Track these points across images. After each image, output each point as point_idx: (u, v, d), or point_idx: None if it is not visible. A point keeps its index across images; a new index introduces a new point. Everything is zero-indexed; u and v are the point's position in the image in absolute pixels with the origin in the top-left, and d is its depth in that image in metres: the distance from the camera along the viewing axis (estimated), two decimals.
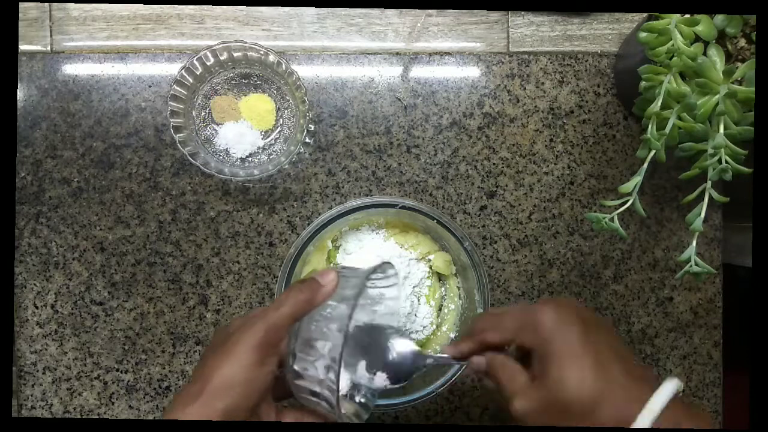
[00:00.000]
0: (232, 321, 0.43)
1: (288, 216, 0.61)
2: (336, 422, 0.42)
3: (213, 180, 0.60)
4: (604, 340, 0.40)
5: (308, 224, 0.57)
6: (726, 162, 0.45)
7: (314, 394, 0.40)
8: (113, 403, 0.60)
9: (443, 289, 0.60)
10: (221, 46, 0.56)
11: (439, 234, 0.57)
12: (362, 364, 0.47)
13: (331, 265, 0.58)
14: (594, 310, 0.42)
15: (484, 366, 0.43)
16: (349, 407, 0.45)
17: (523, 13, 0.62)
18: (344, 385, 0.46)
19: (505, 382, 0.41)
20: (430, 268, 0.59)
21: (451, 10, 0.62)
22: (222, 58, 0.57)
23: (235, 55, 0.57)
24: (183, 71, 0.56)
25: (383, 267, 0.45)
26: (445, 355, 0.45)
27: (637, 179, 0.48)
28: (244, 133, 0.59)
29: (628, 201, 0.49)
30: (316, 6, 0.61)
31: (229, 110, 0.59)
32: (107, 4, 0.60)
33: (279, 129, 0.60)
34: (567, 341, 0.38)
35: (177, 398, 0.38)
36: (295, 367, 0.40)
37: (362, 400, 0.46)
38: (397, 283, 0.49)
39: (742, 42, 0.48)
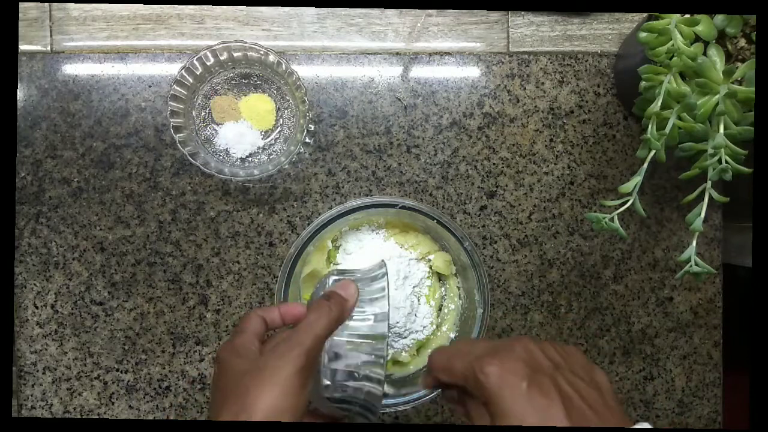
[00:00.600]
0: (237, 338, 0.41)
1: (288, 216, 0.61)
2: (337, 422, 0.42)
3: (213, 180, 0.60)
4: (563, 386, 0.37)
5: (308, 224, 0.57)
6: (726, 162, 0.45)
7: (345, 401, 0.42)
8: (113, 403, 0.60)
9: (443, 289, 0.60)
10: (221, 46, 0.56)
11: (439, 234, 0.57)
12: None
13: (332, 265, 0.58)
14: (554, 346, 0.40)
15: (456, 398, 0.42)
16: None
17: (523, 13, 0.62)
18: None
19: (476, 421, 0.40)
20: (430, 268, 0.59)
21: (451, 10, 0.62)
22: (222, 58, 0.57)
23: (235, 55, 0.57)
24: (183, 71, 0.56)
25: (379, 265, 0.47)
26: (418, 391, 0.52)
27: (637, 179, 0.48)
28: (244, 133, 0.59)
29: (628, 201, 0.49)
30: (316, 6, 0.61)
31: (229, 110, 0.59)
32: (107, 4, 0.60)
33: (279, 129, 0.60)
34: (510, 402, 0.36)
35: (217, 417, 0.38)
36: (327, 382, 0.41)
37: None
38: (384, 284, 0.49)
39: (742, 42, 0.48)
